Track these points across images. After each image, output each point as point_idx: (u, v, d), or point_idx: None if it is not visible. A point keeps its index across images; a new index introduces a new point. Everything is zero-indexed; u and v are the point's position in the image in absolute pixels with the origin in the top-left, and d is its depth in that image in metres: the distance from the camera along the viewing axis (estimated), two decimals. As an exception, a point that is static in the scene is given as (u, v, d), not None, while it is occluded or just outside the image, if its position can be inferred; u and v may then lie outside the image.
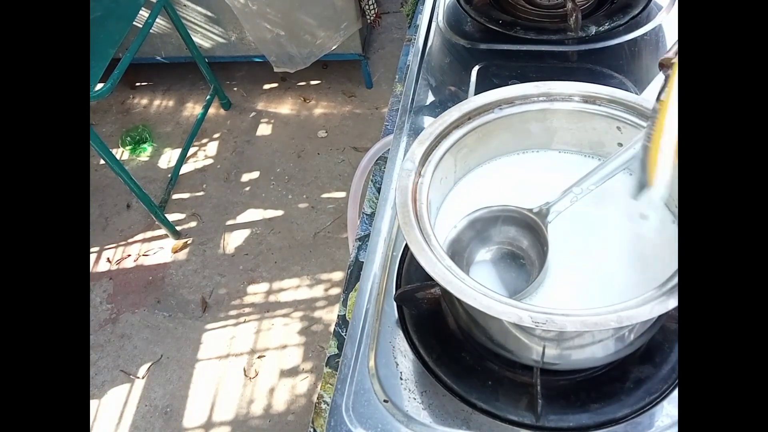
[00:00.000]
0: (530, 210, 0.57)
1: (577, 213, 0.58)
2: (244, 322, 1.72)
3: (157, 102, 2.34)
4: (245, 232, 1.92)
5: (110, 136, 2.23)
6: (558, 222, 0.57)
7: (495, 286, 0.58)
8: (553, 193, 0.58)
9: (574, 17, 0.90)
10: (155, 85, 2.39)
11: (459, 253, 0.58)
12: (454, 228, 0.58)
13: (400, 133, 0.83)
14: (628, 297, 0.47)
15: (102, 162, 1.92)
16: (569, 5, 0.91)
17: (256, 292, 1.78)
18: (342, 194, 1.98)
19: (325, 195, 1.99)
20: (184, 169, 2.09)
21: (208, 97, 2.18)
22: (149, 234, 1.95)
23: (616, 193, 0.61)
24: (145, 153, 2.17)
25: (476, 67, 0.90)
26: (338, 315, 0.70)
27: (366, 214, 0.80)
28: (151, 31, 1.83)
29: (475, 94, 0.68)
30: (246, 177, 2.07)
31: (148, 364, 1.66)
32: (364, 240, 0.76)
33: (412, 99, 0.87)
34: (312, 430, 0.62)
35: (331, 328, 1.32)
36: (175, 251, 1.90)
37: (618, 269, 0.58)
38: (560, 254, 0.57)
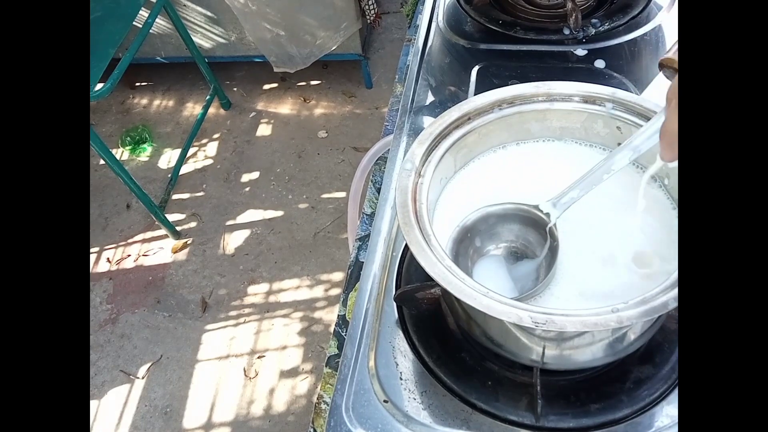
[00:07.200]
0: (536, 206, 0.57)
1: (577, 211, 0.57)
2: (244, 322, 1.72)
3: (157, 102, 2.34)
4: (245, 233, 1.92)
5: (110, 136, 2.23)
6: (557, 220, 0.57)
7: (501, 284, 0.58)
8: (551, 186, 0.57)
9: (574, 17, 0.90)
10: (155, 85, 2.39)
11: (464, 251, 0.58)
12: (457, 227, 0.58)
13: (400, 133, 0.83)
14: (629, 297, 0.47)
15: (102, 162, 1.92)
16: (569, 5, 0.91)
17: (256, 292, 1.78)
18: (342, 194, 1.98)
19: (325, 195, 1.99)
20: (184, 169, 2.09)
21: (208, 97, 2.18)
22: (149, 234, 1.95)
23: (617, 191, 0.61)
24: (145, 153, 2.17)
25: (476, 67, 0.90)
26: (338, 315, 0.70)
27: (366, 214, 0.80)
28: (151, 31, 1.83)
29: (475, 94, 0.68)
30: (246, 177, 2.07)
31: (148, 364, 1.66)
32: (364, 240, 0.76)
33: (412, 99, 0.87)
34: (312, 430, 0.62)
35: (331, 329, 1.32)
36: (175, 251, 1.90)
37: (618, 268, 0.57)
38: (560, 253, 0.56)
